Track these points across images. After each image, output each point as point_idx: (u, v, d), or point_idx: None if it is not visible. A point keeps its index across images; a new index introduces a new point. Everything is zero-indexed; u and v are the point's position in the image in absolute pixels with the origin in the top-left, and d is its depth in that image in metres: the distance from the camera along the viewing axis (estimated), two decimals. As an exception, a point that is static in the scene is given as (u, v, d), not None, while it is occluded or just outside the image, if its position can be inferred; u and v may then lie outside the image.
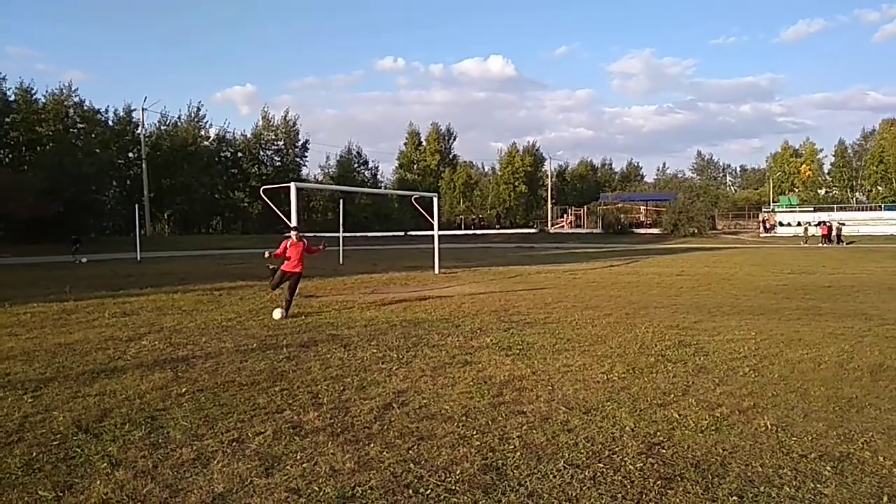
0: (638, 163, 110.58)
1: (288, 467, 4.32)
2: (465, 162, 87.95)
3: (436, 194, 24.98)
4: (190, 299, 13.66)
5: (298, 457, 4.50)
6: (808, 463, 4.33)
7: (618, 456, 4.49)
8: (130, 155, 58.43)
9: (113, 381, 6.63)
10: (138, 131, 57.20)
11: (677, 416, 5.34)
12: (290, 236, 11.80)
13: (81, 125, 52.94)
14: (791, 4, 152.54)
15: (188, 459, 4.46)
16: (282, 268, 11.69)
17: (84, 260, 28.57)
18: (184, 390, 6.26)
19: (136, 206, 35.44)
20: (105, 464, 4.39)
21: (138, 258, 30.03)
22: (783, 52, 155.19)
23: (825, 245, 44.18)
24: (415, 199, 24.25)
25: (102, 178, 50.83)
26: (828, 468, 4.23)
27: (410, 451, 4.58)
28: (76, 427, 5.15)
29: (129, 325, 10.44)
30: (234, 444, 4.78)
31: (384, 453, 4.55)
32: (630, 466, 4.28)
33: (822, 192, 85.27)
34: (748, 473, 4.18)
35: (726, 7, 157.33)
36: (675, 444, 4.70)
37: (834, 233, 46.03)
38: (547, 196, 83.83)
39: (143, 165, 54.58)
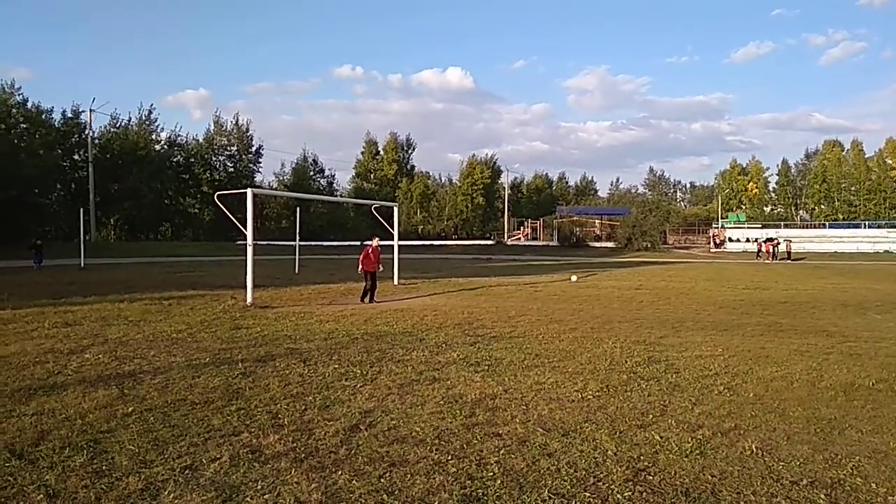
0: (592, 177, 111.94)
1: (248, 499, 3.92)
2: (422, 172, 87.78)
3: (396, 204, 24.71)
4: (137, 309, 12.98)
5: (259, 486, 4.11)
6: (801, 490, 4.14)
7: (604, 483, 4.23)
8: (76, 157, 56.14)
9: (52, 399, 6.09)
10: (86, 133, 55.14)
11: (659, 439, 5.11)
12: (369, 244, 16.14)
13: (24, 125, 50.68)
14: (742, 27, 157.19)
15: (135, 490, 4.02)
16: (364, 269, 15.53)
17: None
18: (130, 409, 5.77)
19: (81, 210, 34.00)
20: (41, 495, 3.93)
21: (82, 264, 28.74)
22: (733, 72, 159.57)
23: (772, 261, 45.32)
24: (375, 208, 23.86)
25: (46, 180, 48.92)
26: (822, 496, 4.05)
27: (382, 480, 4.23)
28: (9, 452, 4.64)
29: (71, 336, 9.80)
30: (187, 471, 4.35)
31: (354, 482, 4.19)
32: (618, 495, 4.02)
33: (767, 209, 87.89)
34: (741, 503, 3.96)
35: (680, 27, 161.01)
36: (661, 470, 4.46)
37: (784, 249, 47.31)
38: (503, 208, 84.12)
39: (90, 168, 52.56)
